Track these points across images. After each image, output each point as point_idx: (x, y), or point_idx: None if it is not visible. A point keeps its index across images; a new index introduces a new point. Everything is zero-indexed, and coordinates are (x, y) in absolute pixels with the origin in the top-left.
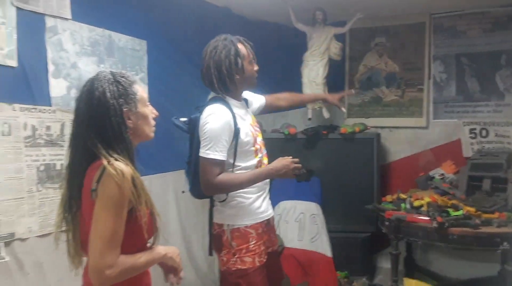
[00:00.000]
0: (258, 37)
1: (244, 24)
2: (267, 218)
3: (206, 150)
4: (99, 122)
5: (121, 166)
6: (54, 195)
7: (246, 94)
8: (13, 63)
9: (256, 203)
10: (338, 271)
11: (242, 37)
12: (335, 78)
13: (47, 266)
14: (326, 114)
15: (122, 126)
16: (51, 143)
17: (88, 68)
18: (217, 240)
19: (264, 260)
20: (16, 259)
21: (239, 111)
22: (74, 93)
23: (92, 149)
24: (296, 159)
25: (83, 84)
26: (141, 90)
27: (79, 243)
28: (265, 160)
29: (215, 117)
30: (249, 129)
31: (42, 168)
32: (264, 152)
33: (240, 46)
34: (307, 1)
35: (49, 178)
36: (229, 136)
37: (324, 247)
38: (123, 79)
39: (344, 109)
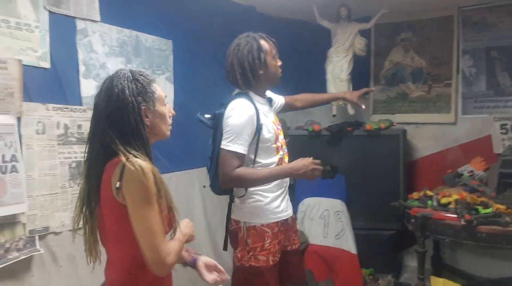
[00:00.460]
0: (282, 35)
1: (268, 22)
2: (285, 218)
3: (228, 142)
4: (117, 119)
5: (140, 162)
6: None
7: (269, 94)
8: (46, 64)
9: (275, 203)
10: (363, 268)
11: (265, 34)
12: (360, 74)
13: (79, 259)
14: (351, 111)
15: (139, 123)
16: (82, 141)
17: (116, 68)
18: (233, 236)
19: (278, 259)
20: (50, 251)
21: (262, 107)
22: None
23: (110, 145)
24: (317, 161)
25: (102, 82)
26: (160, 89)
27: (97, 237)
28: (286, 159)
29: (238, 111)
30: (271, 126)
31: (73, 165)
32: (285, 150)
33: (262, 42)
34: None
35: (80, 174)
36: (251, 131)
37: (348, 244)
38: (141, 77)
39: (363, 106)
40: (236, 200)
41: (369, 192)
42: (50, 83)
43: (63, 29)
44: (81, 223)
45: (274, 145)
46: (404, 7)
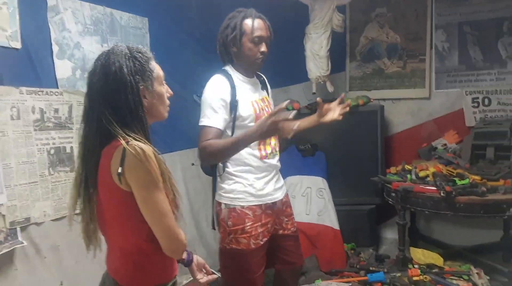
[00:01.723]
0: (259, 11)
1: None
2: (270, 201)
3: (201, 118)
4: (115, 99)
5: (141, 145)
6: (66, 178)
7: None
8: (17, 44)
9: (256, 185)
10: (345, 243)
11: (259, 14)
12: (337, 51)
13: (63, 249)
14: (330, 88)
15: (138, 104)
16: (59, 126)
17: (91, 48)
18: (216, 218)
19: (262, 243)
20: (33, 243)
21: (242, 84)
22: (79, 74)
23: (107, 127)
24: (277, 109)
25: (97, 58)
26: (158, 67)
27: (96, 224)
28: (272, 141)
29: (209, 86)
30: (250, 104)
31: (52, 151)
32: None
33: (247, 21)
34: None
35: (60, 161)
36: (224, 105)
37: (331, 220)
38: (139, 54)
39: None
40: (218, 181)
41: (348, 168)
42: (22, 65)
43: (33, 6)
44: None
45: (252, 124)
46: None
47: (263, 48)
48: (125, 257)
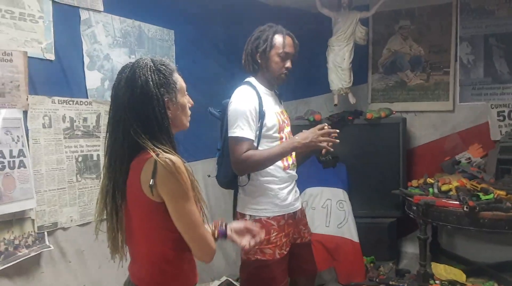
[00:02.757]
0: (282, 24)
1: (268, 11)
2: (292, 211)
3: (233, 129)
4: (142, 112)
5: (171, 157)
6: (92, 185)
7: None
8: (51, 56)
9: (280, 195)
10: (365, 256)
11: (289, 32)
12: (359, 63)
13: (87, 254)
14: (352, 100)
15: (164, 117)
16: (87, 134)
17: (120, 59)
18: None
19: (285, 252)
20: (59, 247)
21: (266, 97)
22: (107, 85)
23: (135, 139)
24: (322, 125)
25: (120, 70)
26: (180, 79)
27: (123, 234)
28: (293, 154)
29: (238, 97)
30: (275, 115)
31: (80, 158)
32: None
33: (277, 36)
34: None
35: (87, 168)
36: (254, 116)
37: (351, 232)
38: (163, 67)
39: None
40: (241, 192)
41: (370, 180)
42: (55, 76)
43: (67, 20)
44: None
45: (277, 135)
46: None
47: (288, 63)
48: (150, 265)
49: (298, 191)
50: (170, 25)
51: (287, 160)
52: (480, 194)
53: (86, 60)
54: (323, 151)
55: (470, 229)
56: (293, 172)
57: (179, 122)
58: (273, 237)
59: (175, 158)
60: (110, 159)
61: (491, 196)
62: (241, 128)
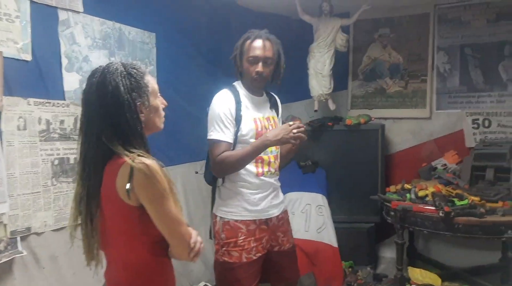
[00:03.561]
0: (263, 28)
1: (249, 16)
2: (265, 217)
3: (210, 132)
4: (114, 118)
5: (146, 160)
6: (68, 189)
7: None
8: (28, 57)
9: (251, 200)
10: (343, 260)
11: (268, 37)
12: (340, 69)
13: (62, 260)
14: (332, 106)
15: (137, 121)
16: (64, 137)
17: (99, 61)
18: (212, 229)
19: (255, 258)
20: (32, 253)
21: (247, 101)
22: None
23: (108, 145)
24: (292, 122)
25: (90, 75)
26: (152, 81)
27: (98, 239)
28: (272, 160)
29: (215, 100)
30: (253, 121)
31: (56, 162)
32: (274, 153)
33: (247, 42)
34: None
35: (63, 172)
36: (230, 119)
37: (330, 237)
38: (134, 71)
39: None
40: (216, 194)
41: (348, 185)
42: (31, 77)
43: (44, 20)
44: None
45: (252, 140)
46: (382, 3)
47: (258, 68)
48: (128, 271)
49: (279, 198)
50: (152, 28)
51: (262, 167)
52: (455, 199)
53: (64, 61)
54: (293, 146)
55: (446, 234)
56: (270, 180)
57: (153, 124)
58: (241, 241)
59: (150, 161)
60: (83, 166)
61: (465, 202)
62: (217, 131)
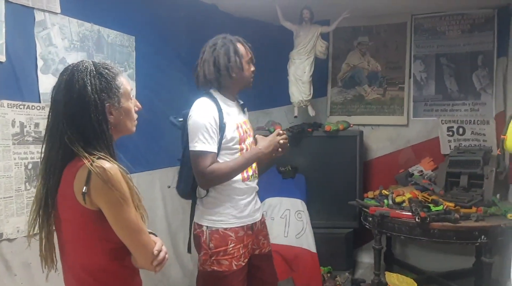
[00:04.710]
0: (245, 35)
1: (230, 21)
2: (250, 222)
3: (194, 143)
4: (78, 118)
5: (105, 164)
6: None
7: None
8: (2, 58)
9: (238, 207)
10: (322, 266)
11: (242, 38)
12: (319, 76)
13: (35, 267)
14: (311, 112)
15: (103, 123)
16: (39, 140)
17: None
18: (196, 240)
19: (243, 264)
20: (4, 260)
21: (228, 108)
22: None
23: (69, 146)
24: (280, 131)
25: (61, 73)
26: (125, 83)
27: (53, 243)
28: (254, 165)
29: (197, 110)
30: (236, 127)
31: (30, 166)
32: None
33: (239, 45)
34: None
35: (37, 176)
36: (215, 129)
37: (309, 243)
38: (106, 71)
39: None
40: (199, 203)
41: (327, 191)
42: (5, 78)
43: (20, 20)
44: (36, 227)
45: (237, 146)
46: (362, 12)
47: (253, 68)
48: (87, 276)
49: (258, 202)
50: (131, 31)
51: (247, 171)
52: (431, 205)
53: (40, 63)
54: (278, 154)
55: (422, 239)
56: (253, 184)
57: (123, 127)
58: (231, 248)
59: (109, 164)
60: (45, 166)
61: (440, 207)
62: (202, 142)
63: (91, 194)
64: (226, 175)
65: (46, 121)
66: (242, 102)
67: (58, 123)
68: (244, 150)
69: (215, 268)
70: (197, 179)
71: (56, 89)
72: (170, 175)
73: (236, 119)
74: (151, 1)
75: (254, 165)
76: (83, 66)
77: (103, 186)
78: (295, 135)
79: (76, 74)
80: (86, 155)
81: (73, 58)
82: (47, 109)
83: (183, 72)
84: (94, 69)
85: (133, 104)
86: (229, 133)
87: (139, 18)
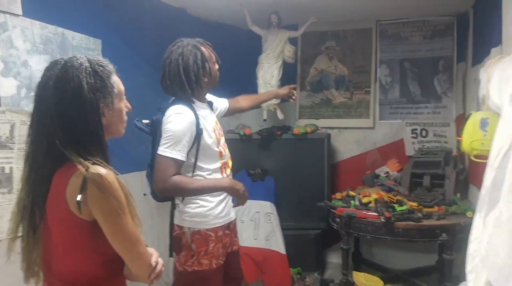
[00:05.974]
0: (213, 39)
1: (199, 25)
2: (228, 221)
3: (165, 148)
4: (72, 119)
5: (102, 171)
6: (3, 200)
7: (211, 97)
8: None
9: (218, 208)
10: (292, 267)
11: (201, 39)
12: (288, 80)
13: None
14: (280, 115)
15: (98, 125)
16: (0, 145)
17: (40, 67)
18: (176, 241)
19: (222, 262)
20: None
21: (203, 112)
22: (24, 93)
23: (60, 149)
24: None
25: (49, 67)
26: (118, 82)
27: (40, 253)
28: (230, 163)
29: (178, 117)
30: (212, 130)
31: None
32: (229, 155)
33: (203, 49)
34: (262, 4)
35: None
36: (190, 137)
37: (278, 244)
38: (101, 68)
39: (294, 97)
40: (180, 205)
41: (296, 193)
42: None
43: None
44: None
45: (216, 149)
46: (329, 17)
47: (217, 67)
48: None
49: (231, 201)
50: (97, 34)
51: (226, 172)
52: (396, 205)
53: (0, 65)
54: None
55: (387, 239)
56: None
57: (115, 129)
58: (211, 248)
59: (106, 171)
60: (30, 170)
61: (405, 207)
62: (174, 149)
63: (87, 204)
64: (185, 192)
65: (7, 125)
66: (210, 101)
67: (47, 123)
68: (222, 152)
69: (196, 268)
70: (156, 183)
71: (43, 85)
72: (137, 180)
73: (211, 122)
74: (118, 4)
75: (230, 163)
76: (77, 62)
77: (100, 195)
78: (264, 138)
79: (71, 71)
80: (81, 160)
81: (35, 61)
82: (8, 113)
83: (151, 76)
84: (89, 66)
85: (124, 105)
86: (207, 138)
87: (105, 21)
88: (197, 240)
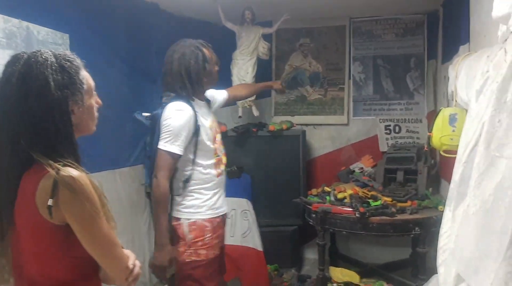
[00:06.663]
0: (186, 35)
1: (172, 20)
2: (221, 214)
3: (165, 142)
4: (38, 119)
5: (73, 173)
6: None
7: (210, 90)
8: None
9: (213, 199)
10: (269, 264)
11: (203, 41)
12: (263, 77)
13: None
14: (256, 112)
15: (67, 124)
16: None
17: (3, 62)
18: (173, 233)
19: (218, 253)
20: None
21: (201, 110)
22: None
23: (27, 151)
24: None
25: (10, 62)
26: (88, 77)
27: (9, 259)
28: (224, 159)
29: (178, 113)
30: (209, 128)
31: None
32: (223, 151)
33: (205, 50)
34: (236, 0)
35: None
36: (189, 133)
37: (255, 242)
38: (68, 63)
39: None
40: (176, 197)
41: (272, 190)
42: None
43: None
44: None
45: (212, 146)
46: (303, 14)
47: (217, 67)
48: None
49: (224, 195)
50: (65, 29)
51: (220, 168)
52: (370, 201)
53: None
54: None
55: (362, 234)
56: (224, 179)
57: (85, 127)
58: (207, 239)
59: (78, 173)
60: None
61: (379, 202)
62: (173, 144)
63: (59, 208)
64: (155, 201)
65: None
66: (208, 99)
67: (10, 123)
68: (217, 149)
69: (194, 258)
70: (155, 172)
71: (4, 82)
72: (111, 178)
73: (208, 120)
74: None
75: (224, 160)
76: (42, 57)
77: (72, 199)
78: (240, 135)
79: (35, 67)
80: (50, 162)
81: None
82: None
83: (123, 71)
84: (55, 61)
85: (94, 101)
86: (204, 135)
87: (73, 15)
88: (194, 231)
